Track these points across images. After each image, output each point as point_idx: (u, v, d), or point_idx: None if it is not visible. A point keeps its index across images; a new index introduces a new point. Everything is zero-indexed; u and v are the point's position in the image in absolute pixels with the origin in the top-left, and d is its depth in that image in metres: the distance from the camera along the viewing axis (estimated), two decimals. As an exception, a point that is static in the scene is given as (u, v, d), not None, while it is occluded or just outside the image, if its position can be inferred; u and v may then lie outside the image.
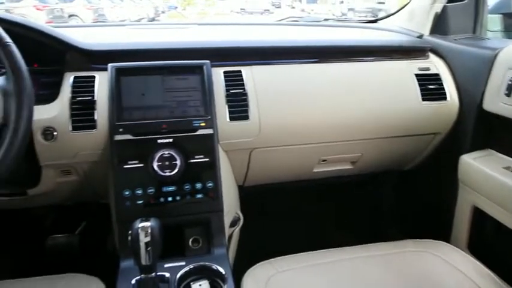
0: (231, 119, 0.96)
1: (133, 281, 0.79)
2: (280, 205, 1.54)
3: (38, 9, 7.55)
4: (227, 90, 0.98)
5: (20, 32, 0.86)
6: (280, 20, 1.66)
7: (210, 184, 0.91)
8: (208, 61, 0.97)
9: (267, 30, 1.50)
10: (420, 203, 1.37)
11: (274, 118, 1.00)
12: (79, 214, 1.43)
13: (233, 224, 1.03)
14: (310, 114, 1.03)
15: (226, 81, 0.99)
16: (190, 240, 0.93)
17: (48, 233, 1.39)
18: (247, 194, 1.17)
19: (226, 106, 0.96)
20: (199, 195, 0.91)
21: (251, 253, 0.99)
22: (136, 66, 0.94)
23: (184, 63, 0.96)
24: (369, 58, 1.13)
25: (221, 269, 0.82)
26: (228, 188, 0.98)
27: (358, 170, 1.23)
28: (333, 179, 1.27)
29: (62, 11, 8.44)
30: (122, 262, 0.85)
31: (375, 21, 1.58)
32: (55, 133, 0.87)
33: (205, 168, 0.91)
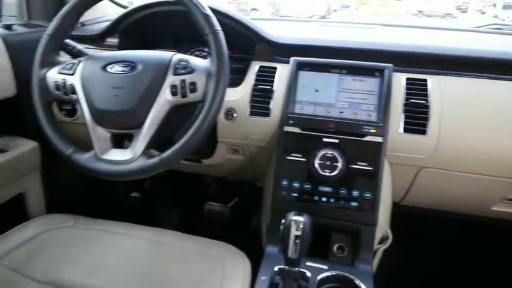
0: (406, 130, 0.88)
1: (276, 268, 0.81)
2: (436, 235, 1.36)
3: (229, 2, 8.62)
4: (406, 99, 0.89)
5: (225, 21, 0.96)
6: (479, 27, 1.43)
7: (368, 195, 0.86)
8: (391, 65, 0.91)
9: (460, 37, 1.31)
10: None
11: (456, 138, 0.87)
12: (235, 190, 1.58)
13: (381, 241, 0.95)
14: (501, 142, 0.86)
15: (407, 89, 0.91)
16: (336, 246, 0.91)
17: (208, 199, 1.58)
18: (401, 212, 1.06)
19: (403, 116, 0.88)
20: (354, 203, 0.87)
21: (391, 276, 0.90)
22: (317, 62, 0.95)
23: (366, 65, 0.92)
24: None
25: (364, 287, 0.78)
26: (384, 202, 0.91)
27: None
28: None
29: (246, 5, 9.45)
30: (268, 247, 0.89)
31: None
32: (235, 115, 0.97)
33: (366, 177, 0.87)
